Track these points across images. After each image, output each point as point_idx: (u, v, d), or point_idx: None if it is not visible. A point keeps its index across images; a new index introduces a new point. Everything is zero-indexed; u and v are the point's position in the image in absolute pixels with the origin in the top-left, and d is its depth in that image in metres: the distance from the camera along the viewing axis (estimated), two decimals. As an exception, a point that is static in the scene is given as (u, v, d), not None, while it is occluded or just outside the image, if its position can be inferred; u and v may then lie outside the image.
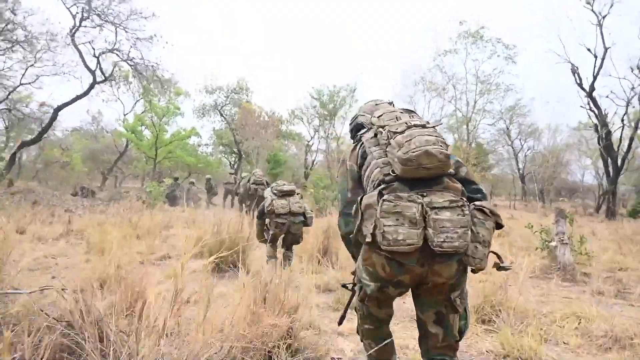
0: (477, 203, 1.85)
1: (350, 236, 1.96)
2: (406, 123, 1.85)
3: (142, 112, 23.98)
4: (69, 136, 42.80)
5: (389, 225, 1.67)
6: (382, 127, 1.91)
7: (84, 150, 39.29)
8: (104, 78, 15.92)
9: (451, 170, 1.87)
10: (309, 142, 39.13)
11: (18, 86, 19.16)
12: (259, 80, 66.45)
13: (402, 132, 1.80)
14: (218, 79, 36.35)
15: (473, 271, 1.86)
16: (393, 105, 2.27)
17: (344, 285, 2.22)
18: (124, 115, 25.59)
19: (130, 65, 16.04)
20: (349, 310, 2.24)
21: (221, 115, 31.18)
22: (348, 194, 2.06)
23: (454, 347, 1.92)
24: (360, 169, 2.02)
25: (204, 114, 31.55)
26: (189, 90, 26.97)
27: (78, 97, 15.76)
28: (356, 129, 2.31)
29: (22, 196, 13.79)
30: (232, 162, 33.68)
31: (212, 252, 5.41)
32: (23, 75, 18.94)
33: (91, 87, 15.61)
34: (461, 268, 1.82)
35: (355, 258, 2.08)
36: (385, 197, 1.72)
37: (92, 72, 15.34)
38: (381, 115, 1.99)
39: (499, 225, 1.87)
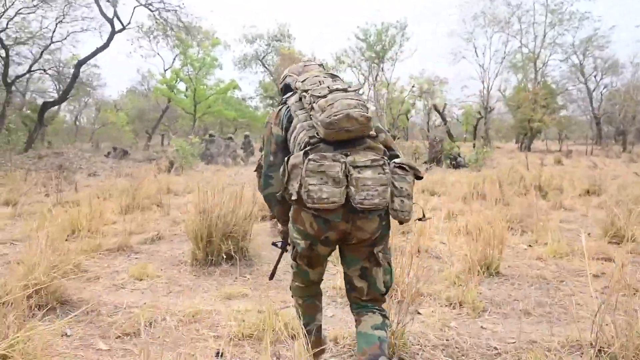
0: (396, 160, 1.92)
1: (277, 194, 1.98)
2: (328, 87, 1.88)
3: (180, 67, 22.67)
4: (124, 97, 43.11)
5: (314, 184, 1.73)
6: (306, 91, 1.91)
7: (132, 110, 39.41)
8: (122, 27, 14.50)
9: (372, 133, 1.90)
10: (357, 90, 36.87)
11: (50, 44, 18.35)
12: (300, 25, 62.17)
13: (324, 96, 1.83)
14: (258, 27, 34.29)
15: (400, 222, 1.89)
16: (323, 68, 2.25)
17: (273, 244, 2.27)
18: (164, 70, 24.61)
19: (151, 10, 14.57)
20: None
21: (263, 65, 29.51)
22: (271, 156, 2.07)
23: (380, 299, 2.01)
24: (286, 132, 2.02)
25: (246, 65, 29.98)
26: (227, 41, 25.49)
27: (98, 50, 14.59)
28: (285, 89, 2.26)
29: (49, 160, 13.02)
30: (280, 115, 32.28)
31: (200, 236, 3.91)
32: (53, 32, 18.11)
33: (110, 37, 14.32)
34: (383, 223, 1.89)
35: (278, 217, 2.16)
36: (310, 157, 1.76)
37: (110, 21, 13.99)
38: (305, 79, 1.99)
39: (418, 177, 1.96)
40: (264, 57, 29.25)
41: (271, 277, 2.32)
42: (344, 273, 2.05)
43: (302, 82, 1.98)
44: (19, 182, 9.37)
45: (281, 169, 1.91)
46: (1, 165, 10.29)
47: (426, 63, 52.73)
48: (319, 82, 1.94)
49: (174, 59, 23.79)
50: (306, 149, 1.82)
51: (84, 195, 7.56)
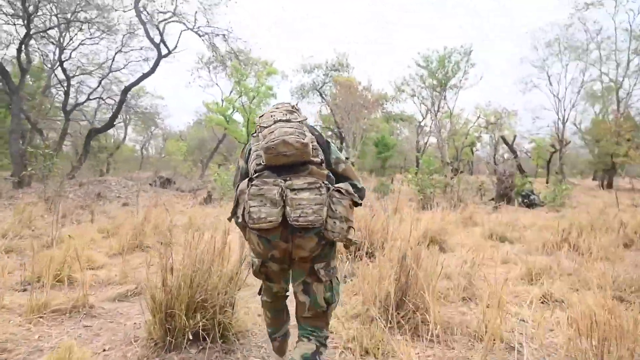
0: (336, 185, 2.05)
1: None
2: (274, 119, 2.08)
3: (234, 96, 22.36)
4: (190, 127, 44.25)
5: (254, 206, 1.90)
6: (260, 125, 2.10)
7: (193, 141, 40.10)
8: (167, 51, 14.16)
9: (315, 159, 2.06)
10: (420, 122, 35.64)
11: (108, 74, 18.60)
12: (358, 53, 61.51)
13: (268, 127, 2.04)
14: (316, 57, 33.90)
15: (345, 246, 2.07)
16: (293, 107, 2.33)
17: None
18: (221, 100, 24.50)
19: (200, 35, 14.17)
20: None
21: (320, 95, 28.87)
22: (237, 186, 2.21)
23: (321, 316, 2.11)
24: (247, 163, 2.19)
25: (303, 95, 29.51)
26: (285, 71, 25.09)
27: (144, 76, 14.33)
28: None
29: (89, 188, 12.61)
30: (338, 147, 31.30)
31: (158, 305, 2.70)
32: (112, 61, 18.34)
33: (157, 62, 14.03)
34: (323, 242, 2.00)
35: (246, 240, 2.21)
36: (253, 182, 1.95)
37: (157, 46, 13.72)
38: (262, 115, 2.22)
39: (356, 204, 2.10)
40: (321, 87, 28.65)
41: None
42: (293, 290, 2.19)
43: (259, 117, 2.20)
44: (41, 210, 8.77)
45: (234, 195, 2.08)
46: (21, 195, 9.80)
47: (493, 92, 49.72)
48: (272, 116, 2.14)
49: (232, 89, 23.68)
50: (252, 176, 2.02)
51: (92, 229, 6.70)
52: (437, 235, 6.07)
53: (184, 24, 14.02)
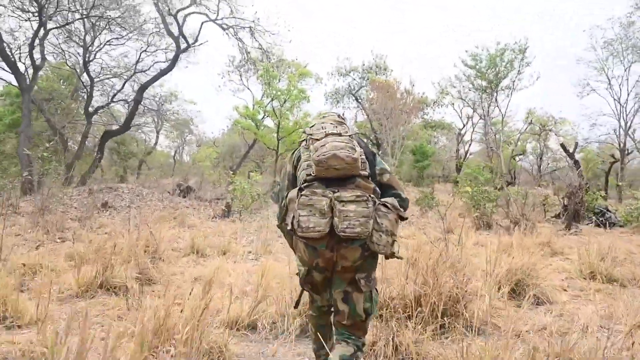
0: (382, 199, 2.13)
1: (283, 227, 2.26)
2: (325, 132, 2.18)
3: (265, 99, 20.96)
4: (225, 134, 43.42)
5: (304, 215, 2.00)
6: (311, 135, 2.23)
7: (223, 147, 39.10)
8: (186, 45, 12.76)
9: (363, 172, 2.14)
10: (460, 130, 33.47)
11: (132, 75, 17.53)
12: (399, 54, 58.97)
13: (320, 139, 2.14)
14: (352, 59, 32.23)
15: (386, 257, 2.12)
16: (340, 117, 2.49)
17: (297, 274, 2.37)
18: (252, 104, 23.22)
19: (223, 29, 12.77)
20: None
21: (356, 100, 27.19)
22: (284, 191, 2.31)
23: (359, 325, 2.18)
24: (295, 170, 2.31)
25: (338, 100, 27.91)
26: (320, 74, 23.56)
27: (162, 72, 13.04)
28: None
29: (99, 196, 11.35)
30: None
31: None
32: (136, 62, 17.27)
33: (176, 57, 12.66)
34: (366, 253, 2.08)
35: (290, 246, 2.37)
36: (303, 192, 2.06)
37: (175, 39, 12.34)
38: (313, 126, 2.34)
39: (402, 218, 2.15)
40: (357, 90, 27.01)
41: (296, 305, 2.49)
42: (333, 296, 2.24)
43: (310, 127, 2.34)
44: (30, 224, 7.46)
45: (282, 203, 2.27)
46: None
47: (543, 95, 46.16)
48: (322, 127, 2.27)
49: (263, 92, 22.32)
50: (302, 185, 2.14)
51: (65, 253, 5.25)
52: (525, 275, 4.31)
53: (206, 15, 12.64)
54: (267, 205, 12.85)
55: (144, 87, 13.23)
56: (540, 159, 31.49)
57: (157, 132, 34.61)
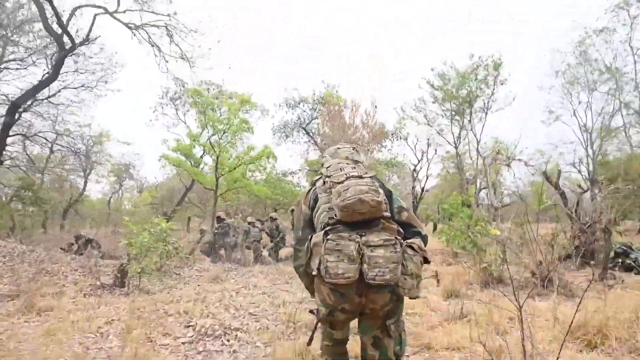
0: (408, 241, 2.11)
1: (300, 269, 2.28)
2: (346, 174, 2.15)
3: (199, 131, 17.84)
4: (168, 177, 39.35)
5: (332, 261, 1.97)
6: (329, 176, 2.21)
7: (162, 190, 35.25)
8: (71, 45, 9.52)
9: (386, 213, 2.12)
10: (415, 166, 31.48)
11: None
12: (354, 83, 56.83)
13: (341, 182, 2.10)
14: (301, 90, 29.79)
15: (411, 298, 2.08)
16: (355, 150, 2.50)
17: (310, 311, 2.41)
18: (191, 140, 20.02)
19: (129, 27, 9.85)
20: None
21: (307, 134, 24.57)
22: (299, 232, 2.32)
23: None
24: (312, 211, 2.27)
25: (287, 134, 25.19)
26: (264, 104, 20.94)
27: (42, 84, 9.73)
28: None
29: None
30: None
31: None
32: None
33: (59, 61, 9.37)
34: (394, 298, 2.07)
35: (306, 287, 2.42)
36: (329, 236, 2.02)
37: (58, 39, 9.06)
38: (329, 166, 2.32)
39: (426, 260, 2.14)
40: (308, 124, 24.46)
41: (309, 343, 2.52)
42: (360, 340, 2.28)
43: (326, 168, 2.31)
44: None
45: (305, 246, 2.21)
46: None
47: (503, 123, 44.68)
48: (340, 168, 2.24)
49: (198, 123, 19.11)
50: (326, 229, 2.08)
51: None
52: None
53: (103, 8, 9.49)
54: (190, 264, 9.58)
55: (16, 105, 9.75)
56: (494, 193, 29.84)
57: (86, 177, 30.53)
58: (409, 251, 2.05)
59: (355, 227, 2.02)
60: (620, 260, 8.80)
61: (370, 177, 2.16)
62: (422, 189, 31.67)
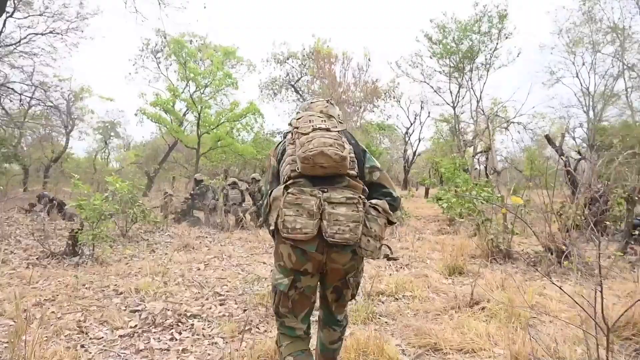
0: (372, 201, 2.00)
1: (269, 228, 2.11)
2: (312, 126, 2.03)
3: (179, 83, 16.54)
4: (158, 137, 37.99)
5: (290, 215, 1.86)
6: (297, 128, 2.08)
7: (146, 150, 33.97)
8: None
9: (352, 171, 2.01)
10: (408, 129, 30.56)
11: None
12: (345, 35, 54.41)
13: (307, 134, 1.98)
14: (290, 44, 28.36)
15: (372, 259, 2.00)
16: (330, 104, 2.36)
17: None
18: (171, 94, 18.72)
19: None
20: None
21: (296, 91, 23.36)
22: (268, 185, 2.17)
23: (345, 305, 2.22)
24: (279, 164, 2.15)
25: (275, 91, 23.95)
26: (251, 59, 19.63)
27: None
28: None
29: None
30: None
31: None
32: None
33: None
34: (356, 257, 2.01)
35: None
36: (289, 190, 1.90)
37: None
38: (300, 117, 2.17)
39: (390, 222, 2.05)
40: (297, 81, 23.20)
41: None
42: (320, 293, 2.22)
43: (296, 119, 2.15)
44: None
45: (265, 201, 2.10)
46: None
47: (503, 84, 42.96)
48: (309, 120, 2.09)
49: (187, 83, 17.82)
50: (287, 182, 1.97)
51: None
52: None
53: None
54: (163, 228, 8.68)
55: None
56: (487, 159, 29.13)
57: (67, 134, 29.11)
58: (373, 212, 1.97)
59: (319, 183, 1.93)
60: (638, 232, 8.00)
61: (338, 131, 2.06)
62: (414, 153, 30.85)
